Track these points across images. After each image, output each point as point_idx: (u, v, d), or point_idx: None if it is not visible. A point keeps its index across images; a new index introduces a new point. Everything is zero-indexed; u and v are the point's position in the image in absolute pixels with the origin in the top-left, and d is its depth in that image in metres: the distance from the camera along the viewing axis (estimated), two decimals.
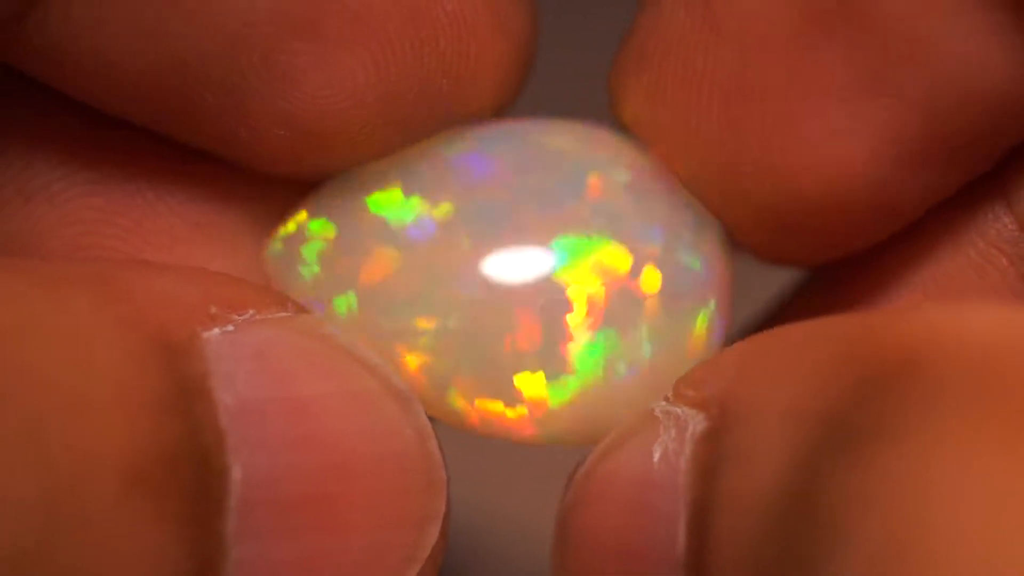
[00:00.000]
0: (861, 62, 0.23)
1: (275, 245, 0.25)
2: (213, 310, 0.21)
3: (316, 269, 0.24)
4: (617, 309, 0.23)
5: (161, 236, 0.25)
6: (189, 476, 0.20)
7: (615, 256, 0.23)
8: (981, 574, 0.16)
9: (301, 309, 0.22)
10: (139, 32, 0.22)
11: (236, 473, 0.20)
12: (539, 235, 0.23)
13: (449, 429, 0.24)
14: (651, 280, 0.24)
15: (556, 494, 0.23)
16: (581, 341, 0.23)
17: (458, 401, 0.23)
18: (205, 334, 0.21)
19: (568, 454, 0.24)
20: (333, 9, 0.23)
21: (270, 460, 0.20)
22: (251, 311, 0.21)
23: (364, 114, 0.23)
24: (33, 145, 0.25)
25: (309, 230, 0.24)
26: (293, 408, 0.21)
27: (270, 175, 0.25)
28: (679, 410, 0.21)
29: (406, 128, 0.24)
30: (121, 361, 0.19)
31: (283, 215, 0.25)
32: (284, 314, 0.22)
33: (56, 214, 0.24)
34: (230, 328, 0.21)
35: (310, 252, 0.24)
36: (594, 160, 0.24)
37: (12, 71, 0.24)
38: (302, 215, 0.25)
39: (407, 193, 0.24)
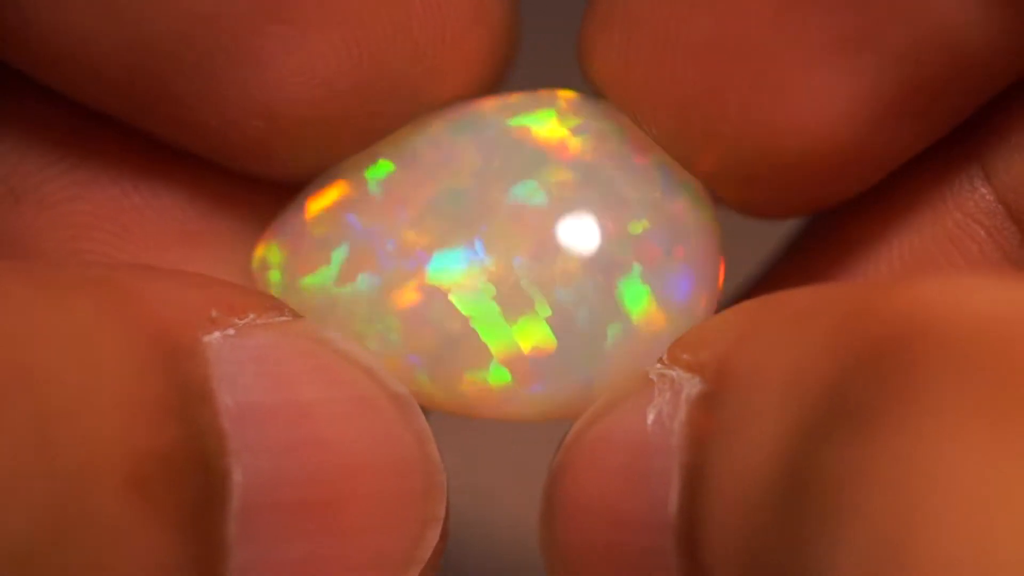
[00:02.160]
0: (844, 18, 0.23)
1: (255, 263, 0.25)
2: (214, 314, 0.21)
3: (279, 294, 0.24)
4: (581, 281, 0.23)
5: (150, 242, 0.25)
6: (191, 479, 0.20)
7: (578, 228, 0.23)
8: (975, 556, 0.16)
9: (297, 315, 0.22)
10: (111, 9, 0.22)
11: (237, 476, 0.20)
12: (501, 217, 0.23)
13: (444, 420, 0.24)
14: (619, 249, 0.23)
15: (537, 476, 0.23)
16: (549, 312, 0.23)
17: (441, 385, 0.24)
18: (206, 338, 0.21)
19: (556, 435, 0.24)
20: None
21: (271, 464, 0.20)
22: (251, 315, 0.21)
23: (336, 103, 0.23)
24: (22, 143, 0.25)
25: (267, 258, 0.25)
26: (293, 412, 0.21)
27: (246, 171, 0.24)
28: (674, 373, 0.21)
29: (380, 119, 0.24)
30: (124, 364, 0.19)
31: (270, 220, 0.25)
32: (283, 318, 0.22)
33: (47, 216, 0.24)
34: (231, 332, 0.21)
35: (275, 277, 0.24)
36: (560, 135, 0.24)
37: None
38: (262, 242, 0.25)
39: (370, 191, 0.24)
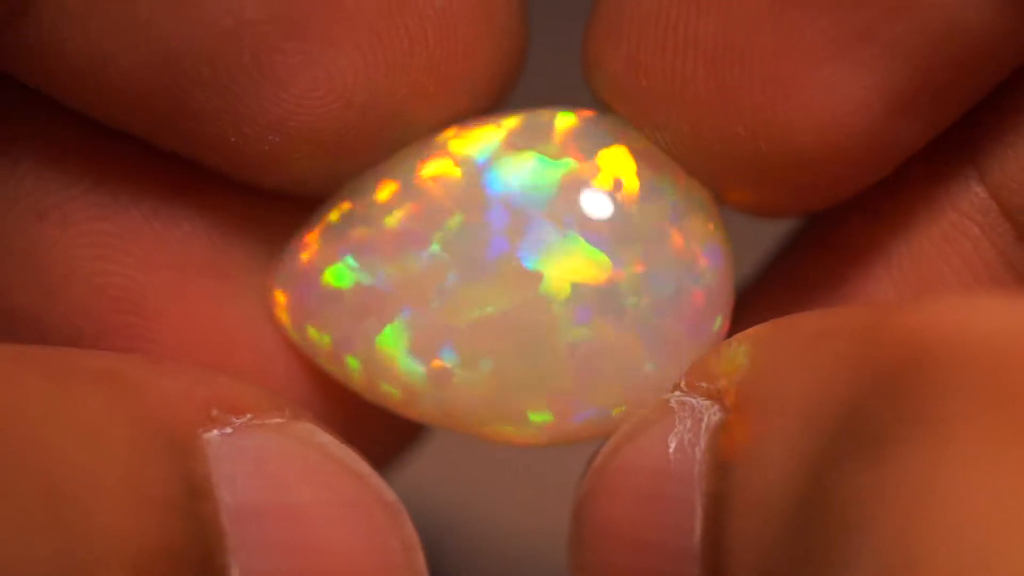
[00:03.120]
0: (852, 12, 0.23)
1: (267, 298, 0.25)
2: (215, 412, 0.22)
3: (295, 335, 0.25)
4: (601, 312, 0.23)
5: (172, 273, 0.25)
6: (192, 573, 0.21)
7: (594, 262, 0.23)
8: (987, 574, 0.16)
9: (297, 415, 0.23)
10: (131, 28, 0.22)
11: (234, 573, 0.21)
12: (518, 250, 0.24)
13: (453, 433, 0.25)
14: (632, 281, 0.24)
15: (558, 495, 0.24)
16: (569, 352, 0.23)
17: (467, 429, 0.24)
18: (206, 435, 0.21)
19: (572, 455, 0.24)
20: (323, 8, 0.23)
21: (267, 563, 0.21)
22: (249, 415, 0.22)
23: (352, 115, 0.23)
24: (43, 162, 0.25)
25: (276, 299, 0.25)
26: (289, 514, 0.22)
27: (260, 185, 0.25)
28: (693, 400, 0.22)
29: (394, 132, 0.24)
30: (133, 457, 0.20)
31: (287, 239, 0.25)
32: (279, 420, 0.22)
33: (69, 236, 0.25)
34: (228, 430, 0.22)
35: (285, 318, 0.25)
36: (569, 162, 0.24)
37: (18, 85, 0.24)
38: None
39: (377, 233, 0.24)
